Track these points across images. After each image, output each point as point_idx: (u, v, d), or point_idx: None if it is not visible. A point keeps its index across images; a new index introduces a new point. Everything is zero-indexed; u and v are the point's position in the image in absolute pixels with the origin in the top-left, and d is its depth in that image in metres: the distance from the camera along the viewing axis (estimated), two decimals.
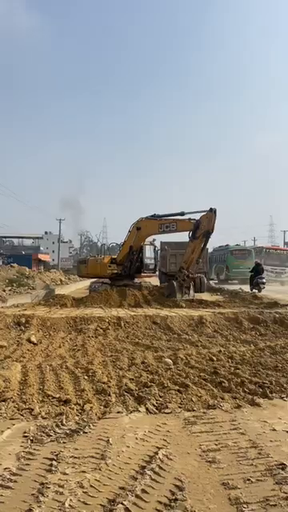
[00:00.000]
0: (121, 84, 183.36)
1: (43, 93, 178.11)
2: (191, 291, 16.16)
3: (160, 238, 24.13)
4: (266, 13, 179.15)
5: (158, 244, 20.28)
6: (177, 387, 5.21)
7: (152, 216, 17.22)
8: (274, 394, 5.10)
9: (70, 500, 2.72)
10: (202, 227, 15.23)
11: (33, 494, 2.80)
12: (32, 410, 4.44)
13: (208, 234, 15.43)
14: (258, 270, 20.06)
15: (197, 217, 15.76)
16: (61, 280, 33.98)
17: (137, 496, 2.77)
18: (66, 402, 4.69)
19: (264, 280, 20.06)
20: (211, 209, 15.19)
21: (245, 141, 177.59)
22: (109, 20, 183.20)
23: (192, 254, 15.72)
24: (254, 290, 19.19)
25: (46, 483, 2.93)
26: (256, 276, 19.85)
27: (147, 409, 4.52)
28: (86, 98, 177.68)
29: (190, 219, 16.01)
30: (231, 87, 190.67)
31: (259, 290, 19.06)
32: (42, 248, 72.34)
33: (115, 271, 18.09)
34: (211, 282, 26.34)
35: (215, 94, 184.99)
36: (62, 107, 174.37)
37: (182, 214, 16.25)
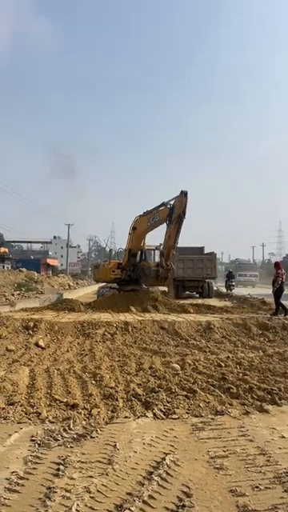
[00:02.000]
0: (124, 84, 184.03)
1: (51, 95, 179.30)
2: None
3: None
4: (270, 14, 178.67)
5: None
6: (184, 393, 5.19)
7: (144, 213, 17.10)
8: (282, 401, 5.05)
9: (77, 505, 2.71)
10: (176, 211, 15.18)
11: (40, 498, 2.80)
12: (39, 414, 4.45)
13: (180, 218, 15.11)
14: (230, 276, 29.00)
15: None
16: (69, 285, 34.13)
17: (144, 502, 2.76)
18: (74, 406, 4.69)
19: (233, 283, 29.04)
20: (182, 191, 15.10)
21: (251, 144, 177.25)
22: (114, 23, 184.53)
23: (169, 240, 15.71)
24: (228, 290, 27.03)
25: (53, 487, 2.93)
26: (228, 280, 28.40)
27: (155, 414, 4.50)
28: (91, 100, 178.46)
29: (167, 205, 15.84)
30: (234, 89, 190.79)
31: (230, 290, 27.08)
32: (50, 253, 72.72)
33: (118, 276, 17.98)
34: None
35: (218, 95, 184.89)
36: (62, 108, 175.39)
37: (163, 203, 16.20)
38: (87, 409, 4.61)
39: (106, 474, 3.14)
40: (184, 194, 14.93)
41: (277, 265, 14.65)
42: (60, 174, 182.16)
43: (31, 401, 4.87)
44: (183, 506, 2.72)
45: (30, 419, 4.34)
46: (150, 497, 2.82)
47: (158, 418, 4.45)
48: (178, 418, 4.44)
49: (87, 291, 31.14)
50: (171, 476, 3.14)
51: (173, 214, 15.14)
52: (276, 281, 13.61)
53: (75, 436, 3.89)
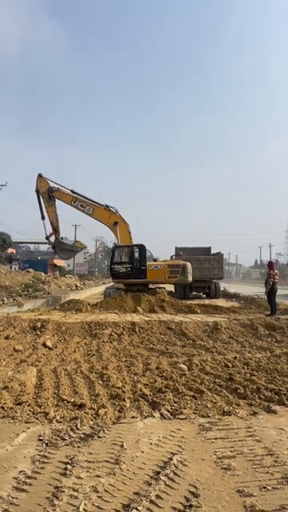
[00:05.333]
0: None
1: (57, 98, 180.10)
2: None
3: (173, 243, 24.28)
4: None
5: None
6: (192, 393, 5.18)
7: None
8: None
9: (85, 504, 2.72)
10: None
11: (47, 498, 2.81)
12: (47, 413, 4.46)
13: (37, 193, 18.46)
14: None
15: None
16: (76, 285, 34.22)
17: (151, 501, 2.76)
18: (81, 406, 4.70)
19: None
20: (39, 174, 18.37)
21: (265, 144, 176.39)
22: (128, 24, 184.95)
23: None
24: None
25: (61, 487, 2.94)
26: None
27: (162, 414, 4.50)
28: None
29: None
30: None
31: None
32: None
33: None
34: None
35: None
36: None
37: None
38: (94, 409, 4.62)
39: (114, 474, 3.15)
40: (39, 175, 18.20)
41: (270, 265, 14.63)
42: None
43: (39, 401, 4.89)
44: (190, 506, 2.71)
45: (37, 419, 4.36)
46: (158, 497, 2.82)
47: (165, 418, 4.44)
48: (185, 418, 4.43)
49: (94, 292, 31.23)
50: (178, 476, 3.14)
51: None
52: (267, 282, 13.57)
53: (82, 436, 3.90)
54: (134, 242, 17.92)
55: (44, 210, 18.48)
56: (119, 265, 17.63)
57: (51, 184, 18.34)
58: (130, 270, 17.32)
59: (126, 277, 17.59)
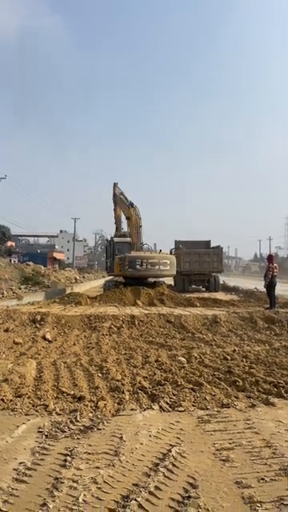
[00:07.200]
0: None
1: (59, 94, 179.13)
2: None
3: (174, 237, 24.49)
4: None
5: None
6: (191, 386, 5.20)
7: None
8: None
9: (84, 495, 2.74)
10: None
11: (47, 489, 2.83)
12: (47, 406, 4.49)
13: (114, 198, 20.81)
14: None
15: None
16: (75, 278, 34.25)
17: (150, 493, 2.78)
18: (80, 398, 4.72)
19: None
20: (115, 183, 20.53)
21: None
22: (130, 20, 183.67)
23: None
24: None
25: (61, 478, 2.96)
26: None
27: (161, 407, 4.52)
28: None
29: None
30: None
31: None
32: (57, 246, 72.84)
33: None
34: None
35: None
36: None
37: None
38: (94, 401, 4.65)
39: (113, 466, 3.17)
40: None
41: (269, 258, 14.66)
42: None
43: (38, 393, 4.92)
44: (189, 497, 2.74)
45: (37, 411, 4.38)
46: (157, 488, 2.84)
47: (164, 410, 4.47)
48: (184, 410, 4.46)
49: (94, 285, 31.25)
50: (177, 467, 3.16)
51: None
52: (266, 275, 13.58)
53: (82, 428, 3.92)
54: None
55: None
56: (107, 258, 20.25)
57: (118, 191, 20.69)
58: (108, 264, 19.62)
59: (109, 270, 20.26)
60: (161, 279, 18.87)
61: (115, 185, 20.88)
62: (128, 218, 18.77)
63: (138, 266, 16.78)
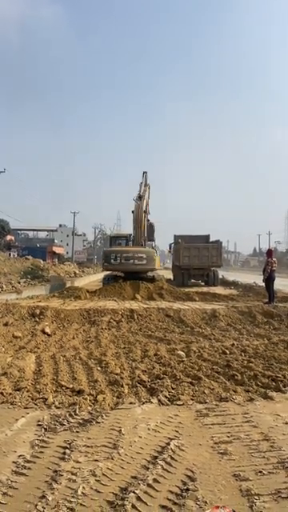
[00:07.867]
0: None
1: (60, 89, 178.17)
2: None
3: (172, 232, 24.48)
4: None
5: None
6: (189, 379, 5.22)
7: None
8: (287, 388, 5.06)
9: (83, 488, 2.75)
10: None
11: (46, 481, 2.85)
12: (46, 399, 4.50)
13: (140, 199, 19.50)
14: None
15: None
16: (75, 272, 34.25)
17: (148, 485, 2.79)
18: (80, 392, 4.74)
19: None
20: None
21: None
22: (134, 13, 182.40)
23: None
24: None
25: (60, 471, 2.98)
26: None
27: (159, 400, 4.54)
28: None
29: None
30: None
31: None
32: (56, 241, 72.73)
33: None
34: None
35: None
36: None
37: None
38: (93, 395, 4.66)
39: (112, 458, 3.19)
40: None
41: (268, 252, 14.67)
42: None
43: (38, 387, 4.93)
44: (187, 489, 2.75)
45: (36, 404, 4.39)
46: (155, 480, 2.86)
47: (162, 404, 4.48)
48: (183, 404, 4.47)
49: (93, 279, 31.25)
50: (175, 460, 3.18)
51: None
52: (265, 269, 13.60)
53: (81, 421, 3.94)
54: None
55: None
56: None
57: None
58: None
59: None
60: (160, 274, 18.89)
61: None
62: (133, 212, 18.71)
63: (112, 261, 17.16)
